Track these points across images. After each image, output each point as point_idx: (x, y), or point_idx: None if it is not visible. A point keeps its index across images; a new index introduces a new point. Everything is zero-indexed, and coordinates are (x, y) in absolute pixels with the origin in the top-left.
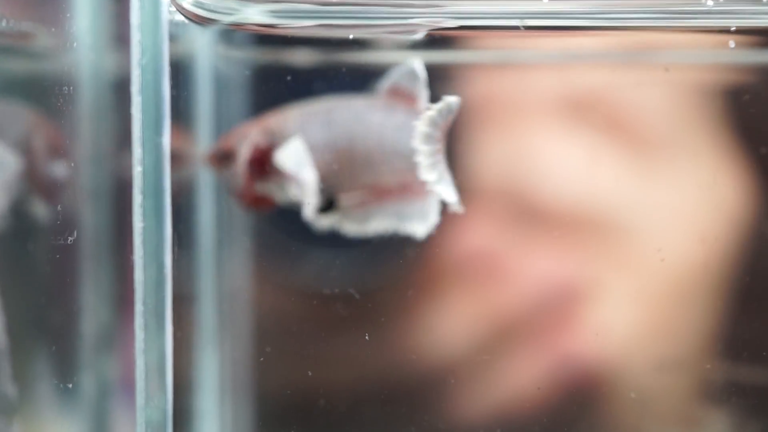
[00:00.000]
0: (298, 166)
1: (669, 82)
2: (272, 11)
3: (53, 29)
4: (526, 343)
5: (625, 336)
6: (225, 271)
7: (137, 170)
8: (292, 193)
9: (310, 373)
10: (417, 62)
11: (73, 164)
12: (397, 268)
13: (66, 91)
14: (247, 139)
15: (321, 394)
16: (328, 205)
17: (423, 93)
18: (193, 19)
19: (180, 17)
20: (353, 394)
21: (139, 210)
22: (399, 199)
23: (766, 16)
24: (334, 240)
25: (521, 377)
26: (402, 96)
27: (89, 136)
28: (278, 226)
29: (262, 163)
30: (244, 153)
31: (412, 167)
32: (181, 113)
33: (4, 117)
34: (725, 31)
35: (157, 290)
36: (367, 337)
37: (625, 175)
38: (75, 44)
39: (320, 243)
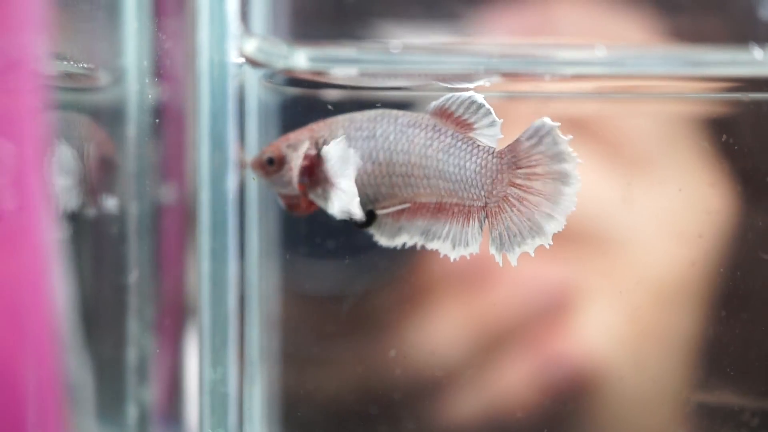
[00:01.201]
0: (341, 173)
1: (657, 110)
2: (316, 58)
3: (106, 67)
4: (518, 347)
5: (613, 340)
6: (268, 303)
7: (205, 213)
8: (336, 200)
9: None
10: (477, 95)
11: (121, 196)
12: (389, 271)
13: (115, 123)
14: (298, 146)
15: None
16: (368, 216)
17: (484, 122)
18: (253, 63)
19: (238, 60)
20: (360, 398)
21: (206, 252)
22: (433, 219)
23: None
24: (325, 248)
25: (512, 380)
26: (453, 120)
27: (133, 169)
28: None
29: (312, 171)
30: (295, 160)
31: (453, 190)
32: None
33: (64, 123)
34: None
35: (222, 330)
36: (394, 354)
37: (615, 189)
38: (124, 79)
39: (313, 254)
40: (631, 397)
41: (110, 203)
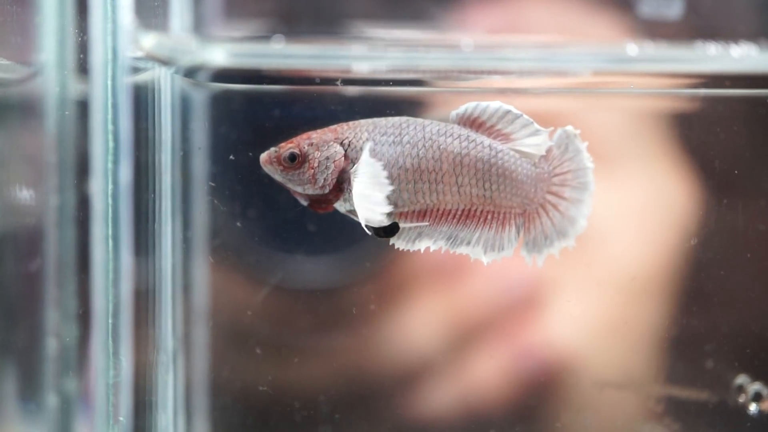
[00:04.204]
0: (372, 187)
1: (623, 108)
2: (234, 53)
3: (19, 59)
4: (491, 340)
5: (583, 333)
6: (184, 292)
7: (99, 201)
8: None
9: (263, 388)
10: (506, 105)
11: (38, 190)
12: (365, 266)
13: (31, 119)
14: (321, 146)
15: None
16: (391, 226)
17: (524, 132)
18: (156, 60)
19: (134, 54)
20: (318, 395)
21: (101, 240)
22: (459, 224)
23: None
24: (302, 243)
25: (486, 372)
26: (486, 130)
27: (53, 163)
28: (244, 232)
29: (342, 174)
30: (324, 161)
31: (489, 198)
32: (142, 140)
33: None
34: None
35: (117, 315)
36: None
37: None
38: (40, 74)
39: (287, 248)
40: (600, 389)
41: (24, 195)
